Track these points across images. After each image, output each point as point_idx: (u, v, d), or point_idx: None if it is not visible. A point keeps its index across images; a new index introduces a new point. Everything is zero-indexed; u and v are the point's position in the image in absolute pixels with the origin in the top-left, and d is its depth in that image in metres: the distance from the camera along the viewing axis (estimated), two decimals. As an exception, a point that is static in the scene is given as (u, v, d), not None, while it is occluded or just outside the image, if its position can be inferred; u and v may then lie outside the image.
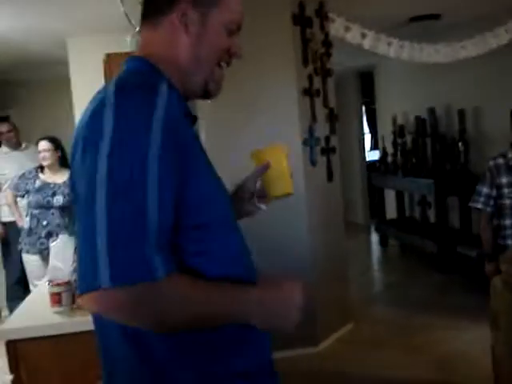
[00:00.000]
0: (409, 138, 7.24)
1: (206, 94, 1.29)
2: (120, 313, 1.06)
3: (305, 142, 4.15)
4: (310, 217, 4.23)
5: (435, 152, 6.73)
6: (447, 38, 5.58)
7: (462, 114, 6.29)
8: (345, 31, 4.71)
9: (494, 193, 3.44)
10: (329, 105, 4.41)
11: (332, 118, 4.45)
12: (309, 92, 4.19)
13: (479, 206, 3.50)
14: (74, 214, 1.16)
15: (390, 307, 5.56)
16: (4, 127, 5.46)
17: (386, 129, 8.10)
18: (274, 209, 4.09)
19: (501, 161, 3.46)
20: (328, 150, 4.38)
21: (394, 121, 7.49)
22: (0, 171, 5.30)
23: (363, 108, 10.73)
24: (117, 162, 1.03)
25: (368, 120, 11.25)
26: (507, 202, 3.40)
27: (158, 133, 1.04)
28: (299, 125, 4.13)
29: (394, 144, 7.44)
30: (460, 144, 6.29)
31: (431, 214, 6.92)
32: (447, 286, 5.82)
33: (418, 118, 7.00)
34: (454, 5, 5.22)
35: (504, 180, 3.41)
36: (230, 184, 1.46)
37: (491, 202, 3.46)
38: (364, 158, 10.04)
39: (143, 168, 1.03)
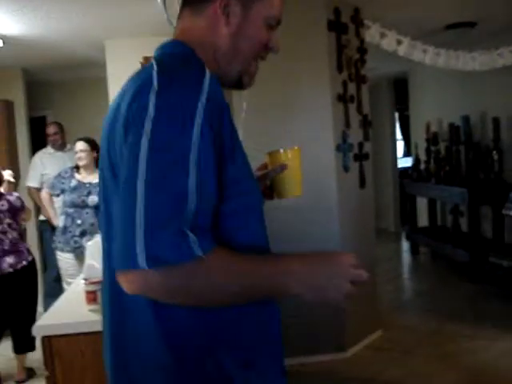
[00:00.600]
0: (442, 146, 7.18)
1: (239, 85, 1.30)
2: (154, 293, 1.07)
3: (338, 148, 4.16)
4: (342, 222, 4.23)
5: (469, 160, 6.66)
6: (482, 45, 5.54)
7: (496, 122, 6.22)
8: (380, 38, 4.71)
9: None
10: (363, 111, 4.42)
11: (366, 124, 4.45)
12: (343, 98, 4.19)
13: None
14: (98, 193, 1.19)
15: (419, 315, 5.53)
16: (51, 129, 5.63)
17: (419, 136, 8.04)
18: (305, 212, 4.15)
19: None
20: (361, 157, 4.38)
21: (428, 128, 7.44)
22: (43, 171, 5.44)
23: (396, 114, 10.68)
24: (159, 143, 1.04)
25: (401, 127, 11.19)
26: None
27: (201, 117, 1.05)
28: (333, 130, 4.14)
29: (427, 151, 7.39)
30: (494, 152, 6.22)
31: (463, 223, 6.86)
32: (478, 295, 5.76)
33: (451, 126, 6.94)
34: (490, 13, 5.17)
35: None
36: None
37: None
38: (396, 164, 9.99)
39: (185, 150, 1.04)
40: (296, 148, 1.48)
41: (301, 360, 4.18)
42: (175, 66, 1.13)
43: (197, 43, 1.22)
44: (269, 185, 1.50)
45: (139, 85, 1.11)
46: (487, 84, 6.46)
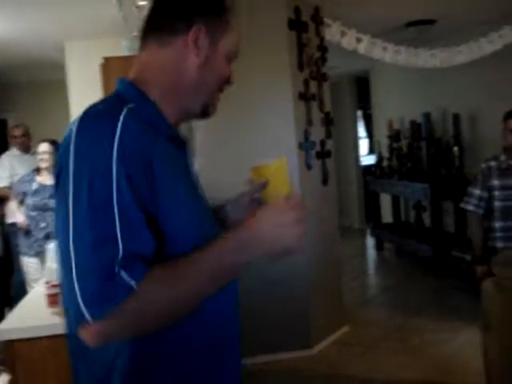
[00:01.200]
0: (404, 143, 7.27)
1: (204, 115, 1.33)
2: (112, 338, 1.10)
3: (300, 146, 4.18)
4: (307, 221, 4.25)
5: (430, 156, 6.77)
6: (443, 43, 5.63)
7: (457, 118, 6.33)
8: (340, 36, 4.75)
9: (486, 195, 3.46)
10: (324, 109, 4.45)
11: (327, 122, 4.48)
12: (304, 96, 4.22)
13: (470, 207, 3.52)
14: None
15: (385, 310, 5.60)
16: (18, 131, 5.56)
17: (381, 133, 8.14)
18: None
19: (493, 163, 3.49)
20: (323, 154, 4.41)
21: (390, 125, 7.53)
22: (13, 171, 5.37)
23: (360, 113, 10.79)
24: (81, 196, 1.06)
25: (365, 125, 11.31)
26: (498, 204, 3.41)
27: (120, 166, 1.06)
28: (295, 129, 4.16)
29: (390, 148, 7.48)
30: (455, 148, 6.34)
31: (426, 218, 6.96)
32: (442, 289, 5.86)
33: (413, 123, 7.04)
34: (450, 10, 5.26)
35: (496, 182, 3.43)
36: (227, 192, 1.52)
37: (482, 204, 3.48)
38: (359, 162, 10.09)
39: (107, 198, 1.06)
40: (279, 159, 1.46)
41: (265, 358, 4.19)
42: (95, 115, 1.15)
43: (159, 77, 1.25)
44: (258, 200, 1.48)
45: (67, 133, 1.13)
46: (448, 81, 6.57)
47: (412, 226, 7.56)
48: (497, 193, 3.42)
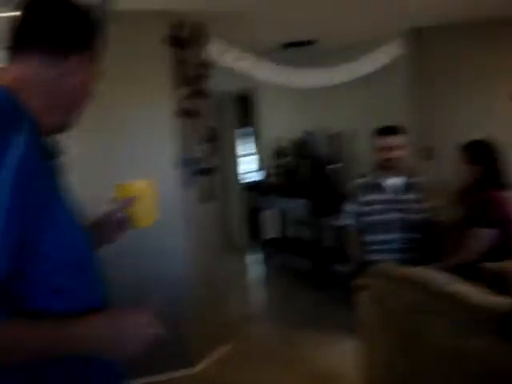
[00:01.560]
0: (287, 160, 7.43)
1: (65, 129, 1.40)
2: None
3: (181, 163, 4.15)
4: (186, 238, 4.23)
5: (311, 173, 6.96)
6: (322, 63, 5.81)
7: (337, 136, 6.56)
8: (222, 54, 4.78)
9: (360, 210, 3.62)
10: (207, 126, 4.44)
11: (210, 139, 4.48)
12: (186, 113, 4.20)
13: (346, 223, 3.68)
14: None
15: (268, 326, 5.65)
16: None
17: (265, 151, 8.26)
18: (148, 231, 4.07)
19: (365, 180, 3.67)
20: (206, 171, 4.40)
21: (273, 143, 7.66)
22: None
23: (245, 131, 10.90)
24: None
25: (251, 143, 11.42)
26: (372, 218, 3.59)
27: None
28: (176, 146, 4.13)
29: (273, 166, 7.61)
30: (334, 166, 6.55)
31: (307, 234, 7.12)
32: (323, 302, 5.99)
33: (295, 141, 7.20)
34: (328, 31, 5.45)
35: (369, 198, 3.60)
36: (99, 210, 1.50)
37: (357, 219, 3.65)
38: (243, 179, 10.17)
39: None
40: (148, 180, 1.54)
41: (145, 380, 4.08)
42: None
43: (38, 91, 1.28)
44: (122, 217, 1.55)
45: None
46: (329, 100, 6.79)
47: (294, 242, 7.70)
48: (370, 207, 3.59)
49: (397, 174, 3.67)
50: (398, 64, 5.50)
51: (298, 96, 7.32)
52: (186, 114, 4.23)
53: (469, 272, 2.97)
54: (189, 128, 4.25)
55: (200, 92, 4.39)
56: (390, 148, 3.61)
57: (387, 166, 3.65)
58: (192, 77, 4.32)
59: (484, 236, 3.25)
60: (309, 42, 5.80)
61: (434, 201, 3.86)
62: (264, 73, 5.11)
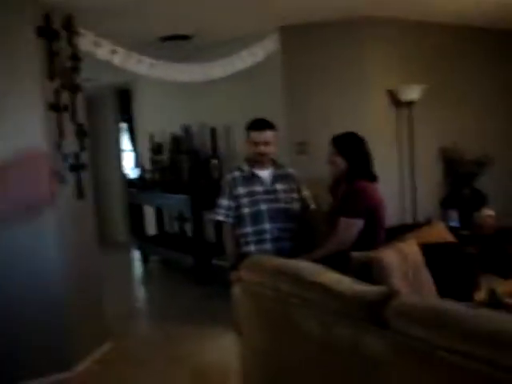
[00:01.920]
0: (166, 155, 7.37)
1: None
2: None
3: (53, 159, 3.99)
4: (59, 236, 4.08)
5: (190, 168, 6.94)
6: (198, 58, 5.81)
7: (213, 131, 6.58)
8: (94, 46, 4.64)
9: (233, 204, 3.66)
10: (78, 121, 4.30)
11: (81, 134, 4.34)
12: (56, 107, 4.04)
13: (221, 218, 3.71)
14: None
15: (150, 322, 5.61)
16: None
17: (144, 146, 8.15)
18: (16, 228, 3.92)
19: (237, 173, 3.71)
20: (78, 167, 4.25)
21: (152, 138, 7.57)
22: None
23: (125, 125, 10.69)
24: None
25: (130, 138, 11.23)
26: (246, 210, 3.64)
27: None
28: (46, 141, 3.96)
29: (152, 161, 7.52)
30: (213, 160, 6.57)
31: (189, 229, 7.11)
32: (205, 297, 6.01)
33: (173, 136, 7.15)
34: (204, 26, 5.44)
35: (241, 191, 3.64)
36: None
37: (231, 214, 3.69)
38: (123, 175, 9.99)
39: None
40: None
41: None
42: None
43: None
44: None
45: None
46: (205, 95, 6.79)
47: (176, 237, 7.67)
48: (243, 200, 3.64)
49: (266, 166, 3.74)
50: (272, 60, 5.59)
51: (175, 90, 7.28)
52: (57, 108, 4.07)
53: (338, 262, 3.08)
54: (59, 122, 4.09)
55: (71, 86, 4.24)
56: (264, 142, 3.67)
57: (259, 160, 3.71)
58: (63, 70, 4.17)
59: (351, 226, 3.36)
60: (186, 37, 5.76)
61: (308, 191, 3.97)
62: (138, 66, 5.02)
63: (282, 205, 3.71)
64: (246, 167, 3.74)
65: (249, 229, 3.66)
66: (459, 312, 1.86)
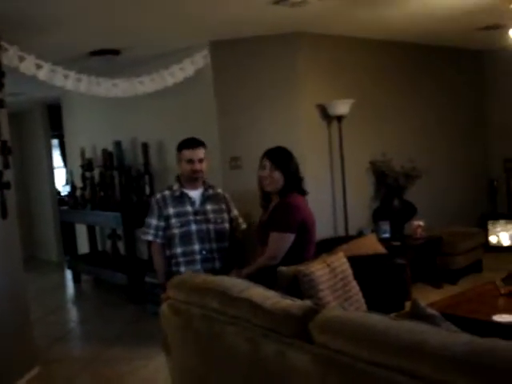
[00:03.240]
0: (97, 172, 7.23)
1: None
2: None
3: (-27, 177, 3.85)
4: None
5: (122, 185, 6.84)
6: (127, 73, 5.73)
7: (145, 147, 6.50)
8: (19, 61, 4.52)
9: (163, 224, 3.62)
10: (1, 137, 4.15)
11: (4, 151, 4.19)
12: (-23, 124, 3.91)
13: (150, 238, 3.65)
14: None
15: (81, 344, 5.47)
16: None
17: (75, 162, 7.98)
18: None
19: (167, 193, 3.67)
20: (1, 186, 4.11)
21: (83, 154, 7.42)
22: None
23: (56, 141, 10.48)
24: None
25: (61, 154, 11.01)
26: (176, 231, 3.60)
27: None
28: (-34, 159, 3.82)
29: (83, 178, 7.37)
30: (145, 176, 6.49)
31: (122, 247, 6.99)
32: (138, 315, 5.91)
33: (105, 151, 7.03)
34: (132, 42, 5.38)
35: (171, 211, 3.61)
36: None
37: (160, 233, 3.64)
38: (55, 192, 9.77)
39: None
40: None
41: None
42: None
43: None
44: None
45: None
46: (137, 110, 6.71)
47: (108, 256, 7.52)
48: (173, 220, 3.60)
49: (197, 186, 3.72)
50: (203, 75, 5.58)
51: (106, 105, 7.17)
52: (-23, 125, 3.93)
53: (267, 277, 3.07)
54: (-20, 140, 3.95)
55: (-7, 101, 4.11)
56: (198, 159, 3.65)
57: (193, 178, 3.67)
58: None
59: (283, 240, 3.35)
60: (115, 51, 5.68)
61: (237, 209, 3.96)
62: (64, 81, 4.91)
63: (212, 225, 3.69)
64: (176, 187, 3.71)
65: (178, 249, 3.63)
66: (380, 323, 1.86)
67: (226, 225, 3.78)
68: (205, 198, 3.74)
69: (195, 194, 3.72)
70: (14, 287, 4.36)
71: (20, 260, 4.52)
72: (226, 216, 3.79)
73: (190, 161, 3.66)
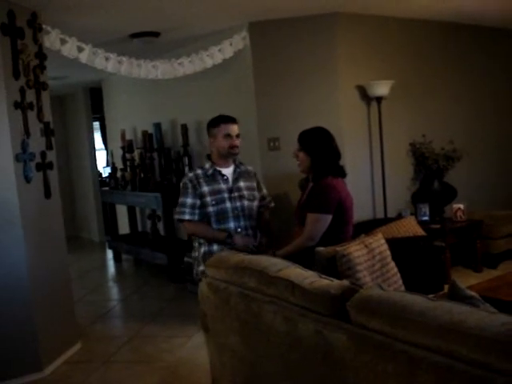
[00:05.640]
0: (137, 153, 7.32)
1: None
2: None
3: (17, 158, 3.93)
4: (27, 236, 4.02)
5: (162, 166, 6.91)
6: (168, 55, 5.78)
7: (184, 128, 6.54)
8: (60, 44, 4.60)
9: (199, 202, 3.58)
10: (43, 119, 4.25)
11: (47, 132, 4.28)
12: (20, 105, 3.99)
13: (187, 217, 3.61)
14: None
15: (122, 322, 5.58)
16: None
17: (115, 144, 8.09)
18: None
19: (199, 171, 3.64)
20: (44, 166, 4.20)
21: (123, 136, 7.52)
22: None
23: (97, 123, 10.63)
24: None
25: (102, 136, 11.17)
26: (211, 209, 3.57)
27: None
28: (11, 140, 3.90)
29: (124, 159, 7.47)
30: (184, 158, 6.54)
31: (161, 227, 7.08)
32: (177, 295, 6.00)
33: (145, 133, 7.11)
34: (172, 24, 5.41)
35: (205, 189, 3.57)
36: None
37: (197, 211, 3.61)
38: (96, 173, 9.93)
39: None
40: None
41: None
42: None
43: None
44: None
45: None
46: (176, 92, 6.76)
47: (148, 236, 7.63)
48: (208, 198, 3.57)
49: (229, 163, 3.70)
50: (242, 56, 5.59)
51: (146, 88, 7.24)
52: (22, 106, 4.01)
53: (305, 257, 3.08)
54: (24, 121, 4.03)
55: (37, 83, 4.18)
56: (236, 134, 3.65)
57: (231, 153, 3.65)
58: (28, 67, 4.11)
59: (320, 222, 3.37)
60: (155, 34, 5.72)
61: (275, 190, 3.97)
62: (106, 64, 4.97)
63: (246, 202, 3.66)
64: (207, 165, 3.68)
65: (214, 227, 3.61)
66: (418, 304, 1.86)
67: (256, 202, 3.75)
68: (237, 175, 3.71)
69: (228, 171, 3.68)
70: (58, 266, 4.47)
71: (63, 240, 4.63)
72: (256, 194, 3.77)
73: (228, 136, 3.64)
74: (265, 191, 3.90)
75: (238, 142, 3.68)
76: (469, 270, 5.82)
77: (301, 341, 2.25)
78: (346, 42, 5.58)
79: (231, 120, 3.72)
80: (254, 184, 3.79)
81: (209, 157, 3.78)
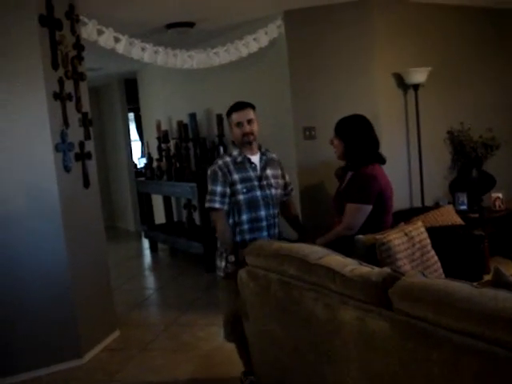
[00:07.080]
0: (172, 143, 7.36)
1: None
2: None
3: (57, 148, 3.99)
4: (66, 225, 4.08)
5: (197, 156, 6.94)
6: (201, 45, 5.78)
7: (220, 118, 6.55)
8: (97, 35, 4.63)
9: (229, 190, 3.51)
10: (82, 109, 4.29)
11: (86, 122, 4.33)
12: (59, 96, 4.04)
13: (217, 205, 3.50)
14: None
15: (158, 310, 5.64)
16: None
17: (151, 135, 8.14)
18: (24, 218, 3.92)
19: (229, 159, 3.55)
20: (83, 156, 4.25)
21: (158, 126, 7.56)
22: None
23: (132, 114, 10.72)
24: None
25: (137, 127, 11.27)
26: (241, 197, 3.50)
27: None
28: (50, 130, 3.96)
29: (159, 149, 7.52)
30: (220, 147, 6.55)
31: (197, 217, 7.11)
32: (213, 284, 6.01)
33: (180, 124, 7.14)
34: (207, 14, 5.41)
35: (236, 176, 3.50)
36: None
37: (227, 200, 3.52)
38: (132, 164, 10.02)
39: None
40: None
41: (33, 374, 4.01)
42: None
43: None
44: None
45: None
46: (211, 82, 6.77)
47: (184, 226, 7.68)
48: (239, 186, 3.49)
49: (254, 150, 3.61)
50: (277, 45, 5.56)
51: (181, 78, 7.27)
52: (61, 97, 4.06)
53: (344, 245, 3.07)
54: (63, 111, 4.08)
55: (75, 74, 4.23)
56: (247, 120, 3.54)
57: (246, 141, 3.55)
58: (67, 58, 4.16)
59: (359, 212, 3.34)
60: (190, 24, 5.73)
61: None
62: (142, 54, 5.00)
63: (273, 190, 3.59)
64: (236, 152, 3.60)
65: (244, 216, 3.50)
66: (463, 291, 1.84)
67: (280, 190, 3.70)
68: (264, 163, 3.64)
69: (255, 158, 3.60)
70: (97, 256, 4.53)
71: (102, 229, 4.68)
72: (281, 181, 3.70)
73: (239, 124, 3.54)
74: (287, 179, 3.83)
75: (250, 128, 3.48)
76: (507, 260, 5.71)
77: (342, 328, 2.24)
78: (383, 29, 5.50)
79: (241, 107, 3.57)
80: (279, 172, 3.70)
81: (234, 144, 3.70)
